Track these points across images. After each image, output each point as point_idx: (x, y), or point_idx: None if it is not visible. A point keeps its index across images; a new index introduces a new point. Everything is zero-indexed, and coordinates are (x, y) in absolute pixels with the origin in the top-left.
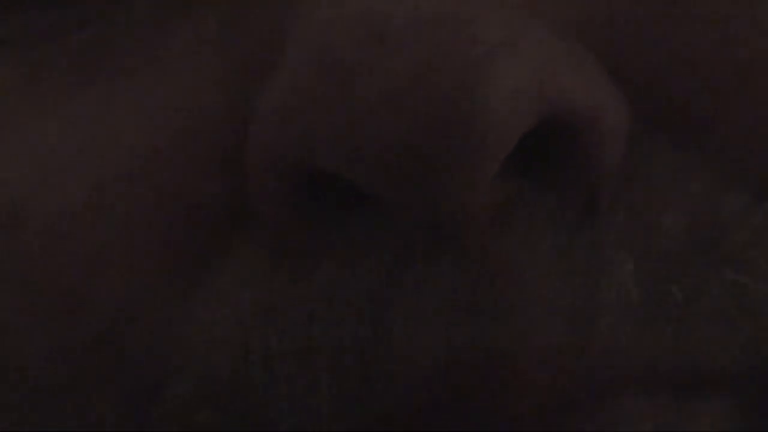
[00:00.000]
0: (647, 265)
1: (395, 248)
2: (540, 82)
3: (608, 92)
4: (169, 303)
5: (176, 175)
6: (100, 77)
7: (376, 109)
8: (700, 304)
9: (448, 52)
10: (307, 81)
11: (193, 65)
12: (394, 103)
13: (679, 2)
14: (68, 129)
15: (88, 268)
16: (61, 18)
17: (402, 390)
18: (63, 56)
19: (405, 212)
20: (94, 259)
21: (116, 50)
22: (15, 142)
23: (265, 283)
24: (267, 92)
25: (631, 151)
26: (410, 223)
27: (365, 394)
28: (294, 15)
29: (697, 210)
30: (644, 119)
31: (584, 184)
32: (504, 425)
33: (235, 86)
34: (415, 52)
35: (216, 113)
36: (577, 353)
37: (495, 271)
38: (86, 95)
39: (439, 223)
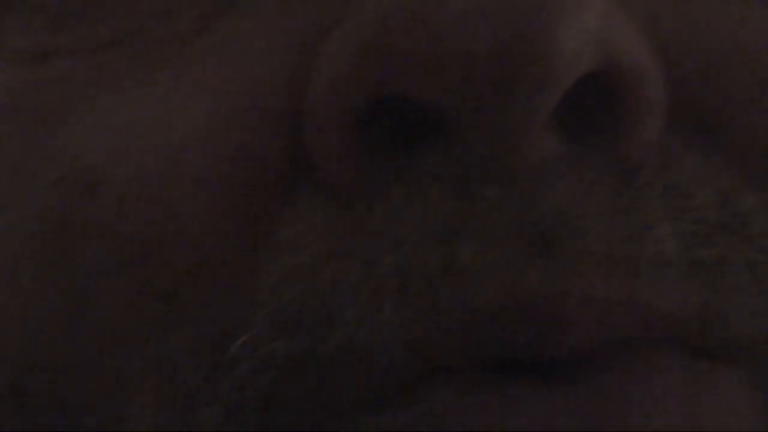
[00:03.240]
0: (681, 229)
1: (460, 184)
2: (603, 30)
3: (655, 64)
4: (238, 258)
5: (242, 136)
6: (166, 55)
7: (451, 33)
8: (724, 272)
9: None
10: (385, 13)
11: (257, 32)
12: (469, 29)
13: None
14: (142, 104)
15: (163, 224)
16: (118, 28)
17: (461, 319)
18: (128, 38)
19: (465, 145)
20: (169, 216)
21: (182, 27)
22: (92, 117)
23: (330, 226)
24: (340, 32)
25: (666, 135)
26: (470, 157)
27: (428, 315)
28: None
29: (721, 198)
30: (678, 114)
31: (625, 153)
32: (541, 363)
33: (299, 48)
34: None
35: (279, 76)
36: (619, 305)
37: (553, 220)
38: (157, 77)
39: (495, 157)
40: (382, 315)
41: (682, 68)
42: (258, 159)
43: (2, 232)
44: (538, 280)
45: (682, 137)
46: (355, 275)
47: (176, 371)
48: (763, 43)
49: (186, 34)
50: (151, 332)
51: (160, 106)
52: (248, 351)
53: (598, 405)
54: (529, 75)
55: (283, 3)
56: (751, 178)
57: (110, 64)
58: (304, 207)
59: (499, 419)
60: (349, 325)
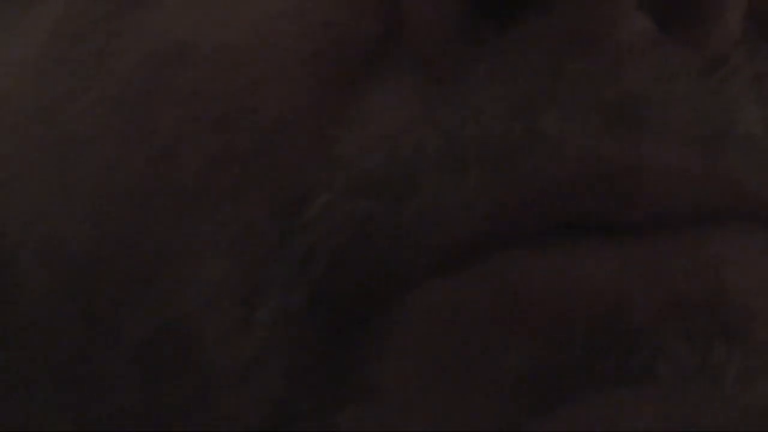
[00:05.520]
0: None
1: (549, 57)
2: None
3: None
4: (322, 121)
5: (337, 8)
6: None
7: None
8: None
9: None
10: None
11: None
12: None
13: None
14: None
15: (248, 88)
16: None
17: (540, 185)
18: None
19: (562, 17)
20: (254, 81)
21: None
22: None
23: (416, 96)
24: None
25: (746, 36)
26: (565, 29)
27: (510, 182)
28: None
29: None
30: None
31: (711, 43)
32: (622, 231)
33: None
34: None
35: None
36: (702, 178)
37: (639, 94)
38: None
39: (590, 29)
40: (463, 181)
41: None
42: (348, 28)
43: (89, 105)
44: (618, 150)
45: (765, 39)
46: (436, 143)
47: (250, 233)
48: None
49: None
50: (229, 193)
51: None
52: (325, 213)
53: (668, 260)
54: None
55: None
56: None
57: None
58: (393, 77)
59: (567, 269)
60: (429, 190)
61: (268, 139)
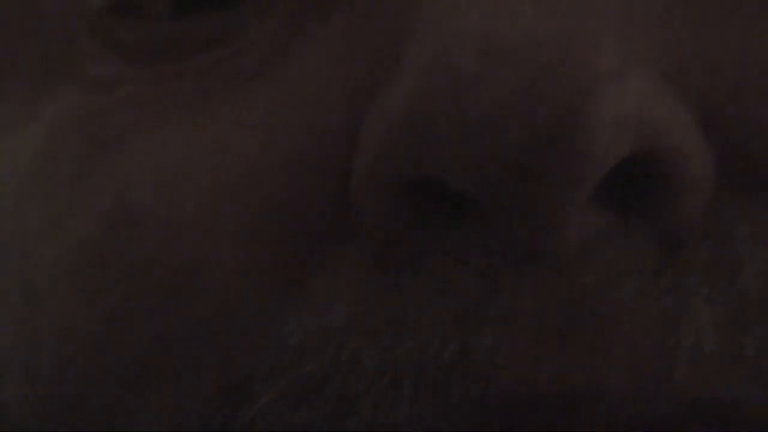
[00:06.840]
0: (723, 315)
1: (489, 267)
2: (641, 115)
3: (698, 140)
4: (266, 307)
5: (285, 187)
6: (221, 96)
7: (483, 120)
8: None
9: (559, 72)
10: (419, 91)
11: (312, 81)
12: (502, 115)
13: None
14: (193, 141)
15: (194, 271)
16: (189, 34)
17: (479, 411)
18: (189, 74)
19: (502, 227)
20: (200, 261)
21: (240, 69)
22: (144, 148)
23: (359, 296)
24: (381, 101)
25: (713, 204)
26: (506, 239)
27: (443, 408)
28: (414, 26)
29: None
30: (728, 176)
31: (667, 229)
32: None
33: (351, 102)
34: (527, 70)
35: (331, 128)
36: (652, 397)
37: (582, 304)
38: (207, 112)
39: (532, 240)
40: (398, 406)
41: (737, 130)
42: (298, 215)
43: (51, 251)
44: (553, 375)
45: (732, 199)
46: (375, 359)
47: (190, 420)
48: None
49: (244, 76)
50: (170, 376)
51: (209, 146)
52: (265, 416)
53: None
54: (559, 168)
55: (338, 50)
56: None
57: (170, 96)
58: (339, 262)
59: None
60: (366, 410)
61: (211, 323)
